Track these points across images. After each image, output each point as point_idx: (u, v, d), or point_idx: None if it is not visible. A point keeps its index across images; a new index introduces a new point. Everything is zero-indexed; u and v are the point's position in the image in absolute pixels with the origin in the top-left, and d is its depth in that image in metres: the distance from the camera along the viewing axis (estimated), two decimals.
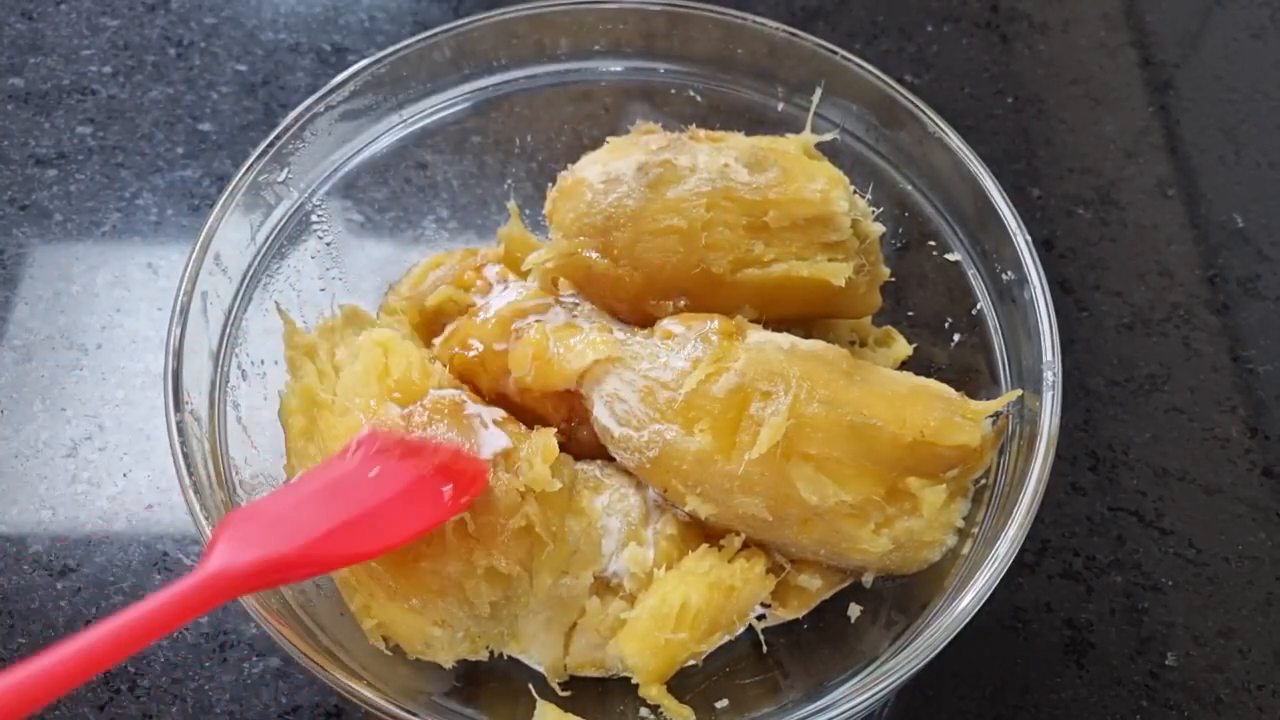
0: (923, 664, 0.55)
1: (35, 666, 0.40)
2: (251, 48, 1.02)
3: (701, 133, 0.68)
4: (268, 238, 0.70)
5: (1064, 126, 1.00)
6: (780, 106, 0.77)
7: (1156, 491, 0.80)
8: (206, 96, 0.99)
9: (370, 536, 0.54)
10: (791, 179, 0.64)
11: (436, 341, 0.72)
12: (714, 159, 0.65)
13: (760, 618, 0.66)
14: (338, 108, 0.72)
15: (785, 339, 0.61)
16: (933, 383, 0.61)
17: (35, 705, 0.40)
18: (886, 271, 0.70)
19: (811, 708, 0.55)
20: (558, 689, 0.64)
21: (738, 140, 0.68)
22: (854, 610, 0.65)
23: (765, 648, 0.66)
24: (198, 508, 0.57)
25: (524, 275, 0.72)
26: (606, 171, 0.65)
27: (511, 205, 0.76)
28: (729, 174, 0.64)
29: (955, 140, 0.70)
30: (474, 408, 0.63)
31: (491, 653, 0.64)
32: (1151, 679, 0.73)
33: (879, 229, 0.67)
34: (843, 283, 0.64)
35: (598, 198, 0.64)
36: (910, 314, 0.75)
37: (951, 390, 0.61)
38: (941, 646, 0.55)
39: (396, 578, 0.58)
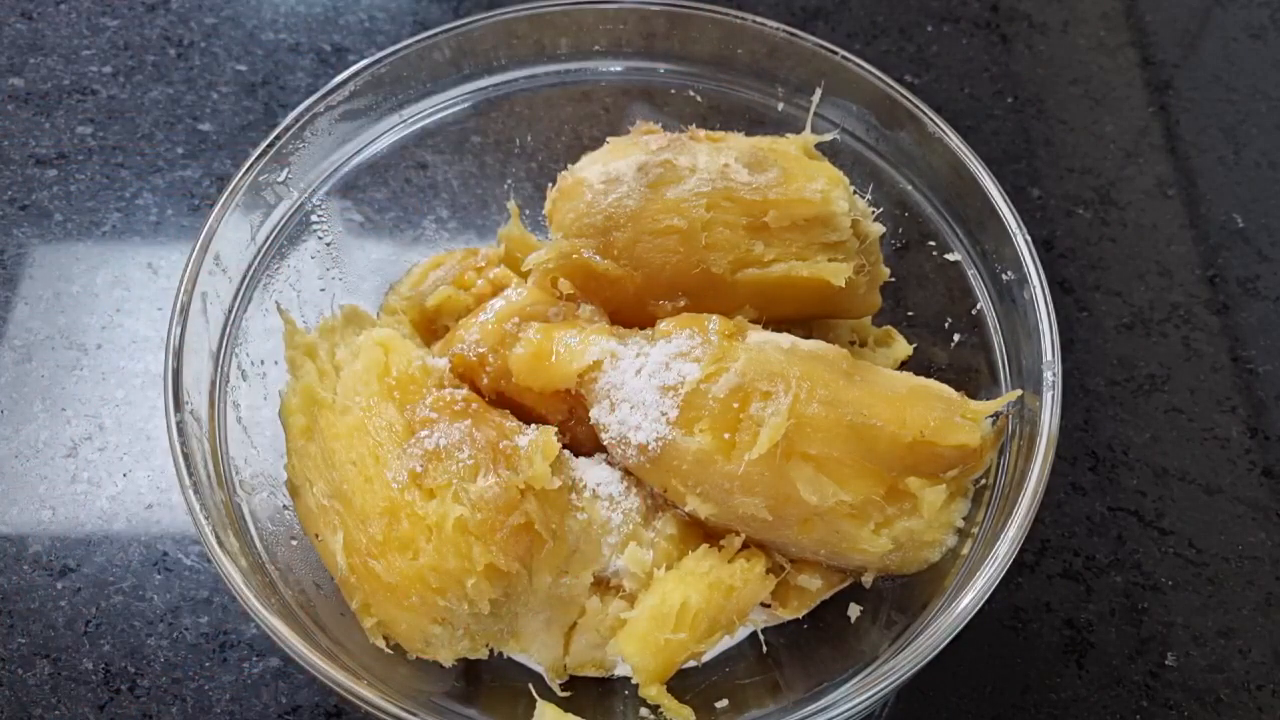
0: (923, 664, 0.55)
1: None
2: (251, 48, 1.02)
3: (701, 133, 0.68)
4: (268, 238, 0.70)
5: (1064, 126, 1.00)
6: (780, 106, 0.77)
7: (1156, 491, 0.80)
8: (206, 96, 0.99)
9: None
10: (791, 179, 0.64)
11: (437, 344, 0.72)
12: (714, 159, 0.65)
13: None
14: (338, 108, 0.72)
15: (785, 339, 0.61)
16: (933, 383, 0.61)
17: None
18: (886, 271, 0.70)
19: (811, 708, 0.55)
20: (558, 689, 0.64)
21: (738, 140, 0.67)
22: (854, 610, 0.65)
23: (765, 648, 0.66)
24: (198, 508, 0.57)
25: (524, 275, 0.72)
26: (606, 171, 0.65)
27: (512, 205, 0.76)
28: (729, 174, 0.64)
29: (955, 140, 0.70)
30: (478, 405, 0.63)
31: (491, 652, 0.64)
32: (1151, 679, 0.73)
33: (879, 229, 0.67)
34: (843, 283, 0.64)
35: (598, 198, 0.64)
36: (910, 314, 0.75)
37: (951, 390, 0.61)
38: (941, 646, 0.55)
39: (396, 574, 0.58)
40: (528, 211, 0.80)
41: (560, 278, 0.68)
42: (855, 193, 0.67)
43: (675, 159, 0.65)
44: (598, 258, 0.65)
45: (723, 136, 0.68)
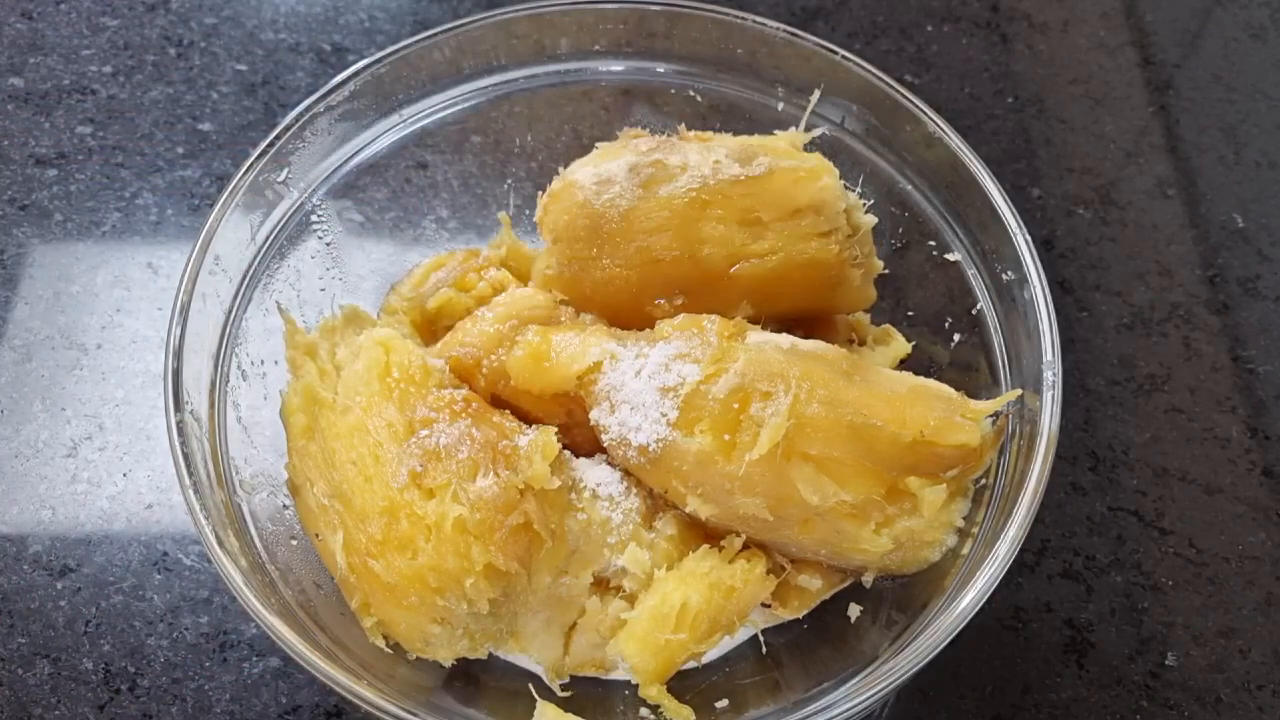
0: (923, 664, 0.55)
1: None
2: (251, 48, 1.02)
3: (691, 133, 0.68)
4: (268, 238, 0.70)
5: (1064, 126, 1.00)
6: (780, 106, 0.77)
7: (1156, 491, 0.80)
8: (206, 96, 0.99)
9: None
10: (782, 170, 0.65)
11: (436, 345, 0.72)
12: (704, 156, 0.65)
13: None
14: (338, 108, 0.72)
15: (785, 339, 0.61)
16: (932, 383, 0.61)
17: None
18: (880, 264, 0.70)
19: (811, 708, 0.55)
20: (558, 689, 0.64)
21: (726, 139, 0.68)
22: (854, 610, 0.65)
23: (765, 648, 0.66)
24: (198, 508, 0.57)
25: (524, 279, 0.72)
26: (598, 173, 0.65)
27: (502, 215, 0.76)
28: (720, 170, 0.64)
29: (955, 140, 0.70)
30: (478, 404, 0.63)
31: (491, 652, 0.64)
32: (1151, 679, 0.73)
33: (871, 220, 0.68)
34: (838, 256, 0.64)
35: (590, 199, 0.64)
36: (910, 313, 0.75)
37: (951, 390, 0.61)
38: (941, 646, 0.55)
39: (396, 574, 0.58)
40: (527, 212, 0.80)
41: (558, 290, 0.68)
42: (847, 187, 0.67)
43: (666, 158, 0.65)
44: (594, 258, 0.65)
45: (711, 136, 0.68)
